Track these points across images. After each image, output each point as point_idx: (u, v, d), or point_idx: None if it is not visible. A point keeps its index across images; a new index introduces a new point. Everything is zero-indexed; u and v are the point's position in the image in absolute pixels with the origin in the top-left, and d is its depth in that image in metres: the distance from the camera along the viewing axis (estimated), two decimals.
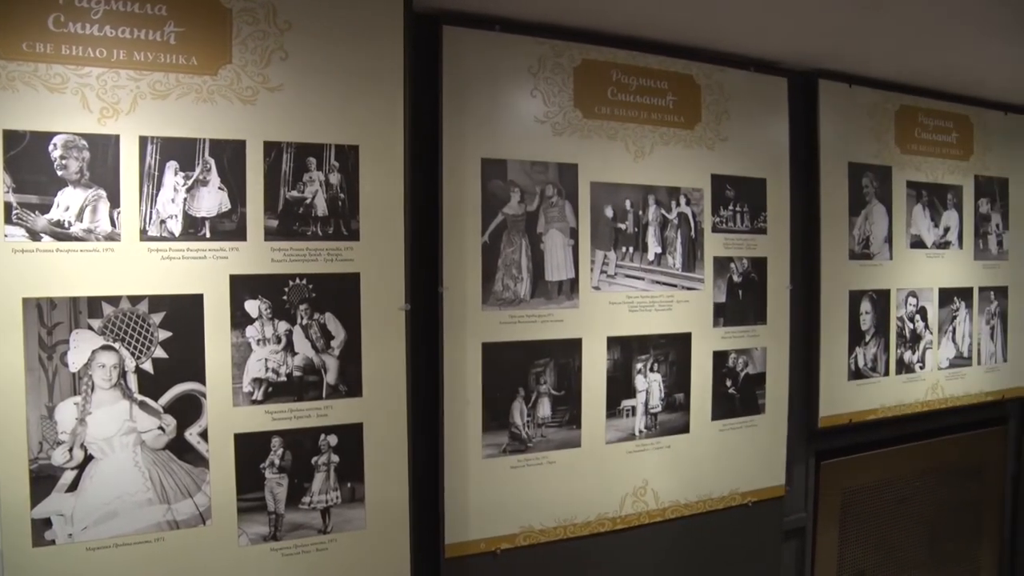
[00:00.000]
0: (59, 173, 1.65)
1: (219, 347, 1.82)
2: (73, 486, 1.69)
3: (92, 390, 1.70)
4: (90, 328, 1.69)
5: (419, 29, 2.11)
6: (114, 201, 1.71)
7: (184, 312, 1.79)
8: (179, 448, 1.79)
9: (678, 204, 2.53)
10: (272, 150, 1.87)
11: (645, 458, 2.50)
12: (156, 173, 1.75)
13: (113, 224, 1.71)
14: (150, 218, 1.74)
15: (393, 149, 1.99)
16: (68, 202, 1.66)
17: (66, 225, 1.66)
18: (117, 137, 1.71)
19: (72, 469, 1.69)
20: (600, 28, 2.36)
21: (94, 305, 1.70)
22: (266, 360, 1.88)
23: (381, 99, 1.98)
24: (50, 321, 1.66)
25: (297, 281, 1.90)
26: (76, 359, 1.69)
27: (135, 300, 1.73)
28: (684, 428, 2.58)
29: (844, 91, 2.94)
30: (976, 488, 3.54)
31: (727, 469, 2.68)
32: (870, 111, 3.03)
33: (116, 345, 1.72)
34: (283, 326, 1.89)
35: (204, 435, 1.81)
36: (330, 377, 1.95)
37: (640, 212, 2.46)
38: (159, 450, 1.77)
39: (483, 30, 2.19)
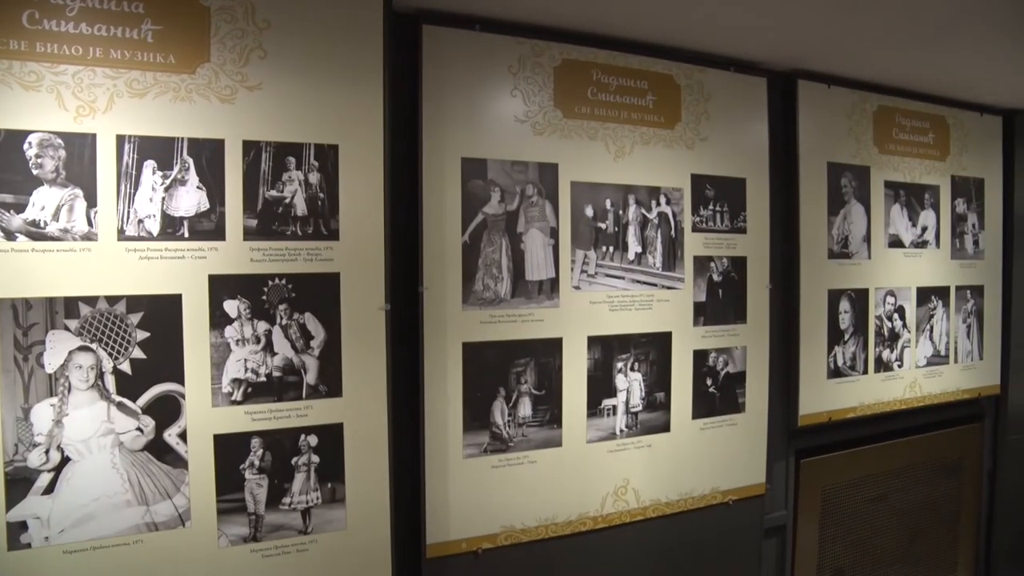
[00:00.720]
0: (34, 172, 1.64)
1: (198, 347, 1.81)
2: (50, 488, 1.67)
3: (69, 391, 1.68)
4: (67, 329, 1.68)
5: (399, 28, 2.11)
6: (91, 200, 1.69)
7: (162, 312, 1.77)
8: (158, 449, 1.78)
9: (658, 204, 2.54)
10: (251, 149, 1.86)
11: (626, 457, 2.51)
12: (134, 172, 1.73)
13: (90, 223, 1.69)
14: (128, 218, 1.73)
15: (373, 148, 1.99)
16: (44, 201, 1.65)
17: (42, 225, 1.65)
18: (94, 136, 1.69)
19: (49, 471, 1.67)
20: (580, 28, 2.36)
21: (71, 305, 1.68)
22: (245, 360, 1.87)
23: (361, 98, 1.98)
24: (26, 322, 1.64)
25: (276, 281, 1.90)
26: (52, 360, 1.67)
27: (113, 300, 1.72)
28: (665, 427, 2.59)
29: (823, 92, 2.97)
30: (953, 485, 3.58)
31: (708, 468, 2.69)
32: (848, 111, 3.06)
33: (93, 346, 1.70)
34: (262, 326, 1.88)
35: (183, 436, 1.80)
36: (310, 377, 1.94)
37: (620, 212, 2.47)
38: (137, 451, 1.76)
39: (463, 29, 2.19)
